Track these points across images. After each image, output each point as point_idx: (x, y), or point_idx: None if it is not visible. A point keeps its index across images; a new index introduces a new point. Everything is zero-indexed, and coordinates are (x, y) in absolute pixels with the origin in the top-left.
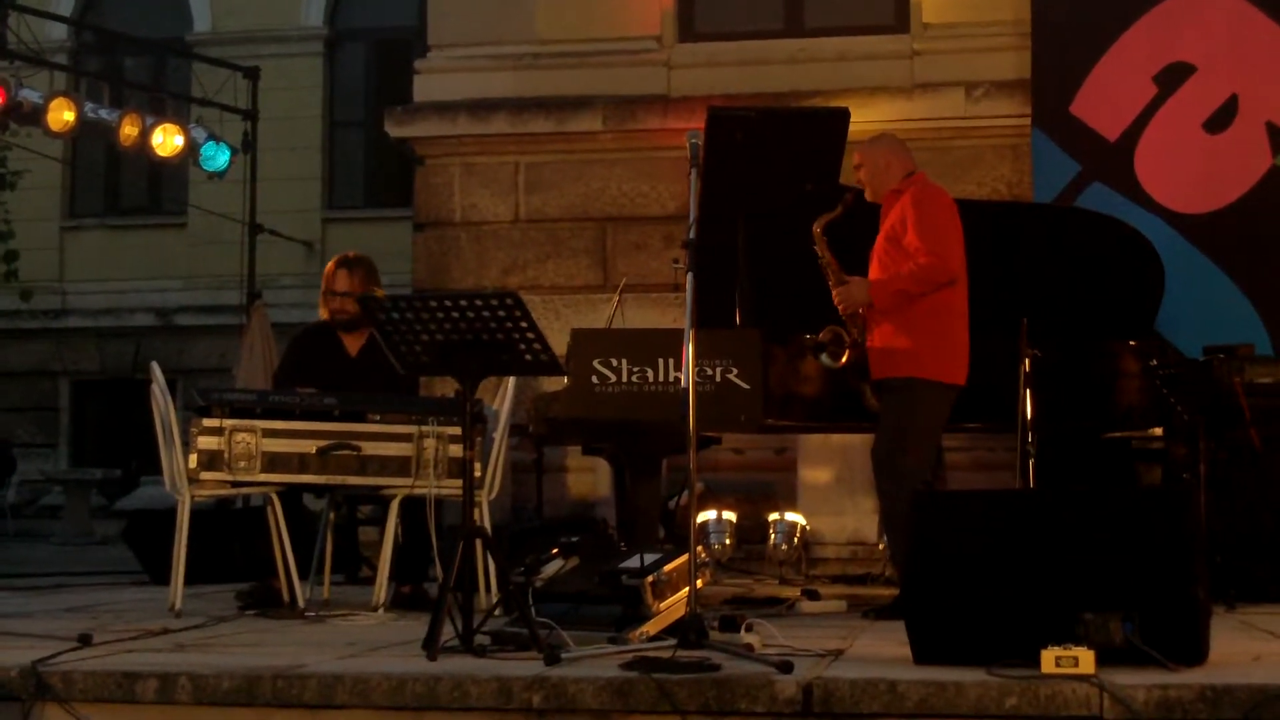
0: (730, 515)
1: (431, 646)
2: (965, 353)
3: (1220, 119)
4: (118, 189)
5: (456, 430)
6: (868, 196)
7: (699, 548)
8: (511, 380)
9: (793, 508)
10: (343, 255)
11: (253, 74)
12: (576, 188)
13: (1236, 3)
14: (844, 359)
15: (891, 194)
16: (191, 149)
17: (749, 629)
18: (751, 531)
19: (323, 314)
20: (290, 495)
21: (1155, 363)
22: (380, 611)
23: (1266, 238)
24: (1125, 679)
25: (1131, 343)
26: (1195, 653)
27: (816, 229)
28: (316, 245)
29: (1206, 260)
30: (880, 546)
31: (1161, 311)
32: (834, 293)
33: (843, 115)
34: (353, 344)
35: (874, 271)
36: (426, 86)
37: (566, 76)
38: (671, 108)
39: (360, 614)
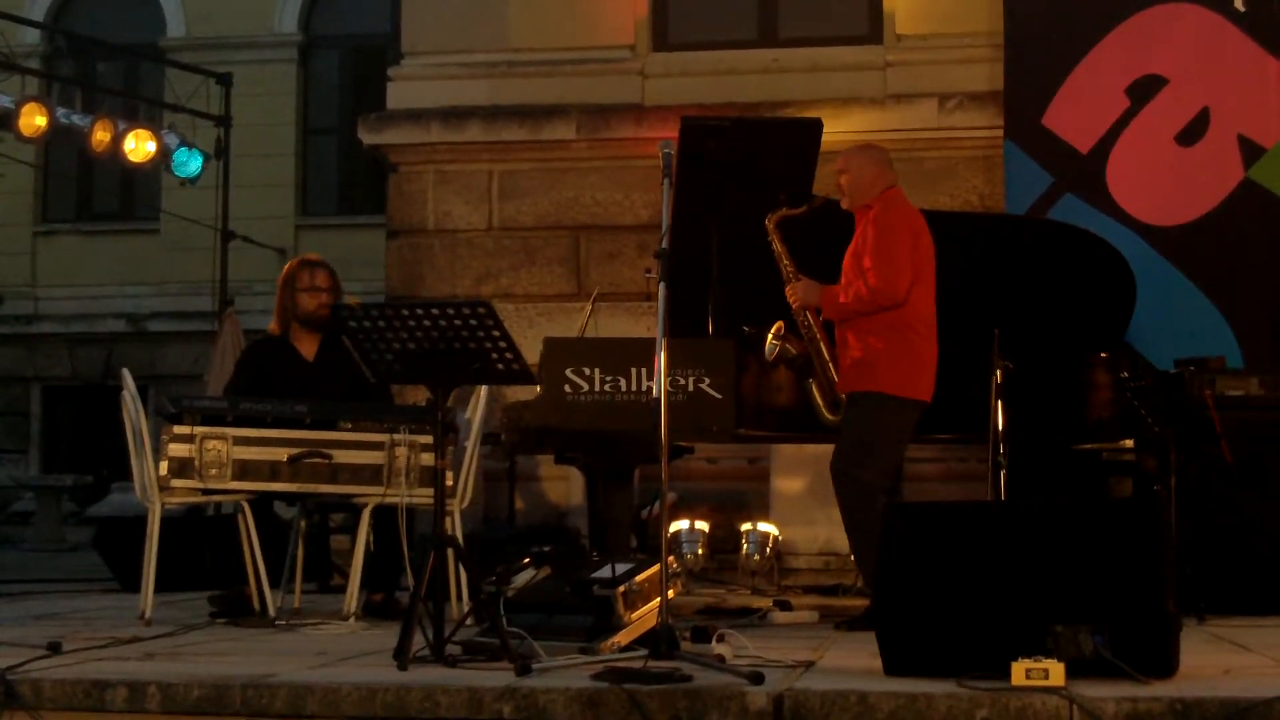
0: (703, 525)
1: (402, 656)
2: (932, 369)
3: (1192, 132)
4: (90, 194)
5: (428, 439)
6: (844, 205)
7: (671, 558)
8: (484, 388)
9: (765, 518)
10: (303, 257)
11: (226, 80)
12: (550, 196)
13: (1208, 15)
14: (777, 353)
15: (863, 208)
16: (164, 155)
17: (720, 639)
18: (724, 541)
19: (273, 327)
20: (261, 503)
21: (1126, 375)
22: (351, 620)
23: (1237, 250)
24: (1095, 691)
25: (1103, 355)
26: (1165, 665)
27: (769, 223)
28: (289, 252)
29: (1178, 273)
30: (853, 557)
31: (1133, 324)
32: (786, 288)
33: (816, 126)
34: (308, 348)
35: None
36: (400, 93)
37: (540, 85)
38: (645, 117)
39: (331, 623)
